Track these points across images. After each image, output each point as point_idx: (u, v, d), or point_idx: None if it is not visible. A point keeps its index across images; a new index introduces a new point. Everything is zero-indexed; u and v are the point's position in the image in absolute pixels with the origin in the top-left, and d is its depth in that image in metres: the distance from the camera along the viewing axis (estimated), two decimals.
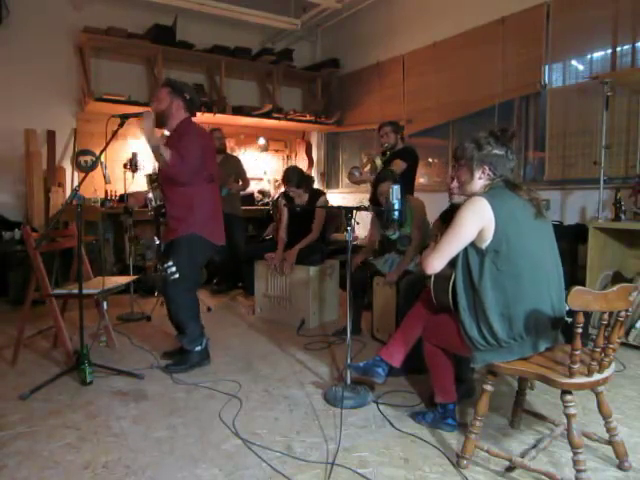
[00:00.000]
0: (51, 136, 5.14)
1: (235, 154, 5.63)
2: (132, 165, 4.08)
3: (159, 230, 2.88)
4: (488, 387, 1.83)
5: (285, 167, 4.76)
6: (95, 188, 5.22)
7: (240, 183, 5.09)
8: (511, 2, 4.33)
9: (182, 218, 2.76)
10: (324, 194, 4.09)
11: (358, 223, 2.64)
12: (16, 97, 4.98)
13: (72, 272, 3.32)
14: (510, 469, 1.81)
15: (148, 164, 5.06)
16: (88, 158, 5.33)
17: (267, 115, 6.03)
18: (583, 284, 3.15)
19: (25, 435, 2.09)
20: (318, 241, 3.96)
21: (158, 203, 2.75)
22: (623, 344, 3.06)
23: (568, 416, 1.65)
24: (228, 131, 5.31)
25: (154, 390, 2.56)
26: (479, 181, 1.90)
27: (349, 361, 2.44)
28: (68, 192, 5.08)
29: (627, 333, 3.16)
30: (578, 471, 1.63)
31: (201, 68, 6.09)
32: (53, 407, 2.35)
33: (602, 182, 3.36)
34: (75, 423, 2.20)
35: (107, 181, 5.35)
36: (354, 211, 2.43)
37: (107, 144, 2.61)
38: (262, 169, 6.65)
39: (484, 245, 1.78)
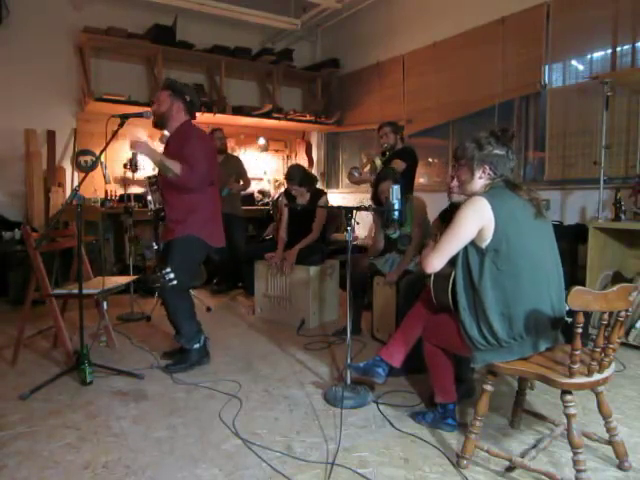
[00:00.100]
0: (51, 136, 5.14)
1: (235, 154, 5.64)
2: (132, 165, 4.09)
3: (157, 234, 2.89)
4: (488, 387, 1.83)
5: (289, 165, 4.78)
6: (95, 188, 5.23)
7: (241, 183, 5.09)
8: (511, 2, 4.33)
9: (181, 221, 2.77)
10: (325, 194, 4.09)
11: (358, 223, 2.64)
12: (16, 97, 4.98)
13: (72, 272, 3.32)
14: (510, 469, 1.81)
15: (148, 164, 5.05)
16: (88, 158, 5.33)
17: (267, 115, 6.03)
18: (583, 284, 3.15)
19: (25, 435, 2.09)
20: (318, 241, 3.95)
21: (157, 206, 2.75)
22: (623, 344, 3.06)
23: (568, 416, 1.65)
24: (228, 131, 5.31)
25: (154, 390, 2.56)
26: (479, 181, 1.90)
27: (349, 361, 2.44)
28: (68, 192, 5.08)
29: (627, 333, 3.16)
30: (578, 471, 1.63)
31: (201, 68, 6.09)
32: (53, 407, 2.35)
33: (602, 182, 3.36)
34: (75, 423, 2.20)
35: (107, 181, 5.35)
36: (354, 211, 2.43)
37: (107, 144, 2.61)
38: (262, 169, 6.65)
39: (484, 244, 1.78)
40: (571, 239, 3.56)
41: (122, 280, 3.24)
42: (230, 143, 5.93)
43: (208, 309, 4.23)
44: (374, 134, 4.62)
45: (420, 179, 5.38)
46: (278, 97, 6.27)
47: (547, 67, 4.16)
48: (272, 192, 6.54)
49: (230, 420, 2.21)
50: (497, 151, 1.87)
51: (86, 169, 5.18)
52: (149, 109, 2.86)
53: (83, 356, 2.58)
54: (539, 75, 4.20)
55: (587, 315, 2.99)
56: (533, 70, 4.23)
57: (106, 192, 5.34)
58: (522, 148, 4.47)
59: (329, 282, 3.91)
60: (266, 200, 6.31)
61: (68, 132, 5.31)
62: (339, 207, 2.86)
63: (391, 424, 2.18)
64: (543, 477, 1.70)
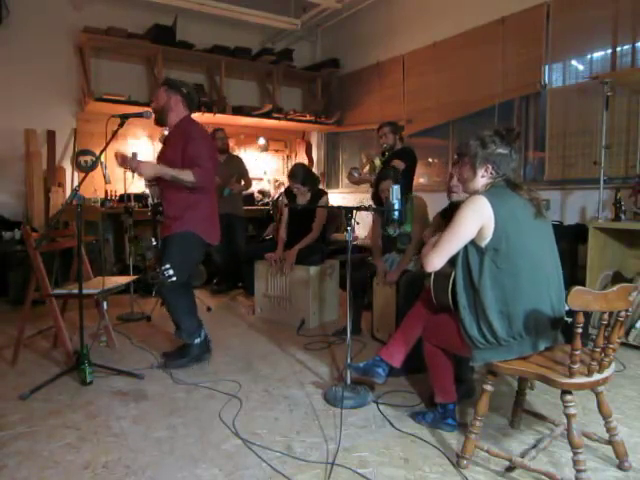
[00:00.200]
0: (51, 136, 5.14)
1: (236, 154, 5.63)
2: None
3: (156, 230, 2.88)
4: (488, 387, 1.83)
5: (294, 163, 4.80)
6: (95, 188, 5.22)
7: (242, 183, 5.09)
8: (511, 2, 4.33)
9: (178, 217, 2.78)
10: (326, 194, 4.09)
11: (358, 223, 2.64)
12: (16, 97, 4.98)
13: (72, 272, 3.32)
14: (510, 469, 1.81)
15: None
16: (88, 158, 5.33)
17: (267, 115, 6.04)
18: (583, 284, 3.15)
19: (25, 435, 2.09)
20: (318, 241, 3.95)
21: (155, 201, 2.76)
22: (623, 344, 3.06)
23: (568, 416, 1.65)
24: (228, 131, 5.31)
25: (154, 390, 2.56)
26: (481, 179, 1.90)
27: (349, 361, 2.44)
28: (68, 192, 5.08)
29: (627, 333, 3.16)
30: (578, 471, 1.62)
31: (201, 68, 6.09)
32: (53, 407, 2.35)
33: (602, 182, 3.36)
34: (75, 423, 2.20)
35: (107, 181, 5.35)
36: (354, 211, 2.44)
37: (107, 144, 2.61)
38: (262, 169, 6.65)
39: (484, 243, 1.78)
40: (571, 239, 3.56)
41: (122, 280, 3.24)
42: (230, 143, 5.91)
43: (208, 309, 4.23)
44: (374, 134, 4.62)
45: (420, 179, 5.39)
46: (278, 97, 6.27)
47: (547, 67, 4.16)
48: (272, 192, 6.53)
49: (230, 420, 2.21)
50: (501, 150, 1.87)
51: (86, 169, 5.19)
52: (149, 109, 2.88)
53: (83, 356, 2.58)
54: (539, 75, 4.20)
55: (587, 315, 2.99)
56: (533, 70, 4.24)
57: (106, 192, 5.34)
58: (522, 148, 4.47)
59: (329, 282, 3.91)
60: (266, 200, 6.31)
61: (68, 132, 5.31)
62: (339, 207, 2.86)
63: (391, 424, 2.18)
64: (543, 477, 1.70)
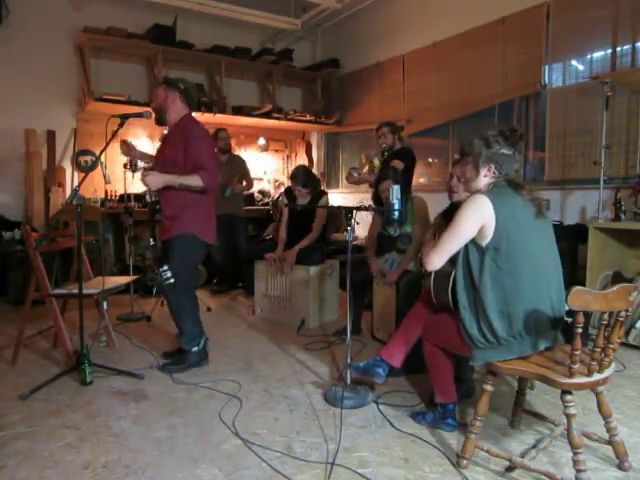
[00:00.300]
0: (51, 136, 5.14)
1: (237, 154, 5.63)
2: (132, 165, 4.08)
3: (154, 230, 2.88)
4: (488, 387, 1.83)
5: (296, 165, 4.80)
6: (95, 188, 5.23)
7: (244, 183, 5.09)
8: (511, 2, 4.33)
9: (176, 217, 2.77)
10: (326, 194, 4.09)
11: (358, 223, 2.65)
12: (16, 97, 4.98)
13: (72, 272, 3.32)
14: (510, 469, 1.81)
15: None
16: (88, 158, 5.33)
17: (267, 115, 6.04)
18: (583, 284, 3.15)
19: (25, 435, 2.09)
20: (318, 241, 3.95)
21: (153, 199, 2.75)
22: (623, 344, 3.06)
23: (568, 416, 1.65)
24: (228, 131, 5.31)
25: (154, 390, 2.56)
26: (484, 179, 1.90)
27: (349, 361, 2.44)
28: (68, 192, 5.09)
29: (627, 333, 3.16)
30: (578, 471, 1.63)
31: (201, 68, 6.09)
32: (53, 407, 2.35)
33: (602, 182, 3.36)
34: (75, 423, 2.20)
35: (107, 181, 5.35)
36: (354, 211, 2.44)
37: (107, 144, 2.61)
38: (262, 169, 6.65)
39: (484, 242, 1.78)
40: (571, 239, 3.56)
41: (122, 280, 3.24)
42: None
43: (208, 309, 4.23)
44: (374, 134, 4.62)
45: (420, 179, 5.39)
46: (278, 97, 6.27)
47: (547, 67, 4.16)
48: (272, 192, 6.53)
49: (230, 420, 2.21)
50: (504, 151, 1.87)
51: (86, 169, 5.19)
52: (149, 109, 2.87)
53: (83, 356, 2.58)
54: (539, 75, 4.20)
55: (587, 315, 2.99)
56: (533, 70, 4.24)
57: (106, 192, 5.34)
58: (522, 148, 4.46)
59: (329, 282, 3.91)
60: (266, 200, 6.31)
61: (68, 132, 5.31)
62: (339, 207, 2.86)
63: (391, 424, 2.18)
64: (543, 477, 1.70)
